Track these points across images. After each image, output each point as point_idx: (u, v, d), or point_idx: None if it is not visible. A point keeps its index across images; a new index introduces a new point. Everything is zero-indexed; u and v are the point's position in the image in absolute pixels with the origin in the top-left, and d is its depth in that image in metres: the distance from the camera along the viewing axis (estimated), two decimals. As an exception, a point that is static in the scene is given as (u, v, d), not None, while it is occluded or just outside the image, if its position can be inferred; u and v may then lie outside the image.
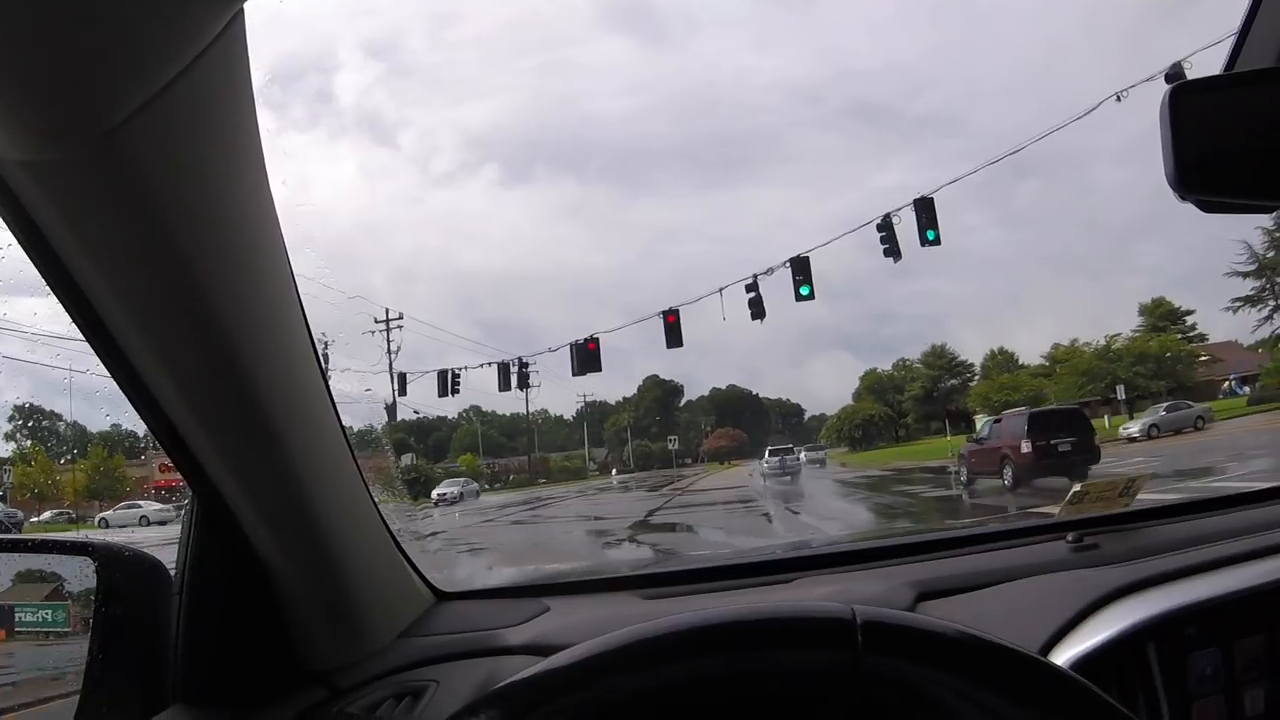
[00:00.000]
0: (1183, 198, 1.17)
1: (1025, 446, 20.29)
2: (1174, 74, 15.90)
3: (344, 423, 1.58)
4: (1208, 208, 1.24)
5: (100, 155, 0.90)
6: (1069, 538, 2.07)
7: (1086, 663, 1.57)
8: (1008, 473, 20.40)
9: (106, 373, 1.21)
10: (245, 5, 0.92)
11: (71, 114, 0.86)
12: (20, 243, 1.04)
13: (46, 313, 1.26)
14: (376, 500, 1.73)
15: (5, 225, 1.02)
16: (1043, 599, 1.77)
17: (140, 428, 1.30)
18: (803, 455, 41.89)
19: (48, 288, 1.09)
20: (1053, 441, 20.23)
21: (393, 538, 1.82)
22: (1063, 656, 1.59)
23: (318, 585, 1.56)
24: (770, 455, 38.83)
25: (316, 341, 1.44)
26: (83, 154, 0.90)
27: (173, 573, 1.52)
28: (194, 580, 1.50)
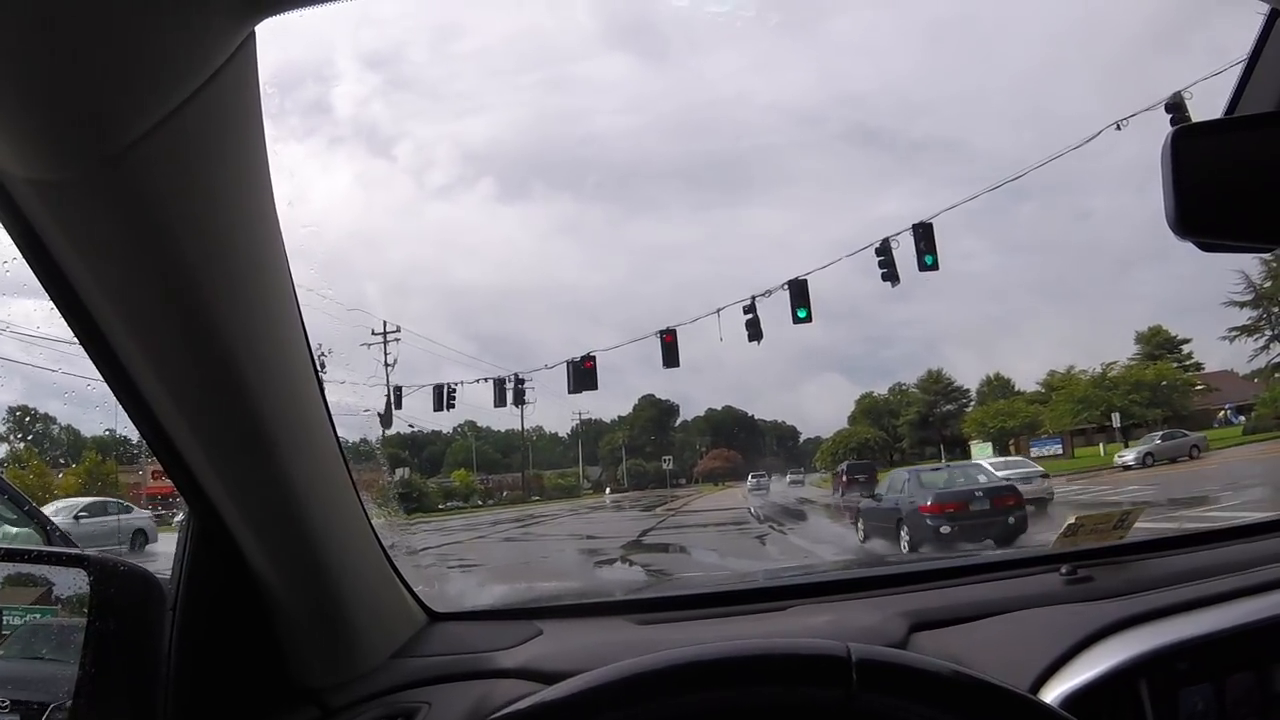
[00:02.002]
0: (1182, 237, 1.18)
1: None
2: (1174, 104, 16.02)
3: (340, 437, 1.58)
4: (1207, 248, 1.25)
5: (108, 175, 0.91)
6: (1063, 570, 2.07)
7: (1079, 698, 1.57)
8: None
9: (102, 379, 1.21)
10: (257, 28, 0.93)
11: (81, 135, 0.87)
12: (24, 255, 1.05)
13: (41, 314, 1.26)
14: (371, 517, 1.73)
15: (10, 237, 1.03)
16: (1036, 632, 1.77)
17: (134, 434, 1.30)
18: (789, 477, 49.69)
19: (44, 292, 1.10)
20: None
21: (386, 556, 1.82)
22: (1055, 691, 1.59)
23: (311, 603, 1.56)
24: (752, 478, 47.26)
25: (315, 355, 1.45)
26: (91, 174, 0.90)
27: (166, 587, 1.51)
28: (188, 595, 1.49)
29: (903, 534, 16.61)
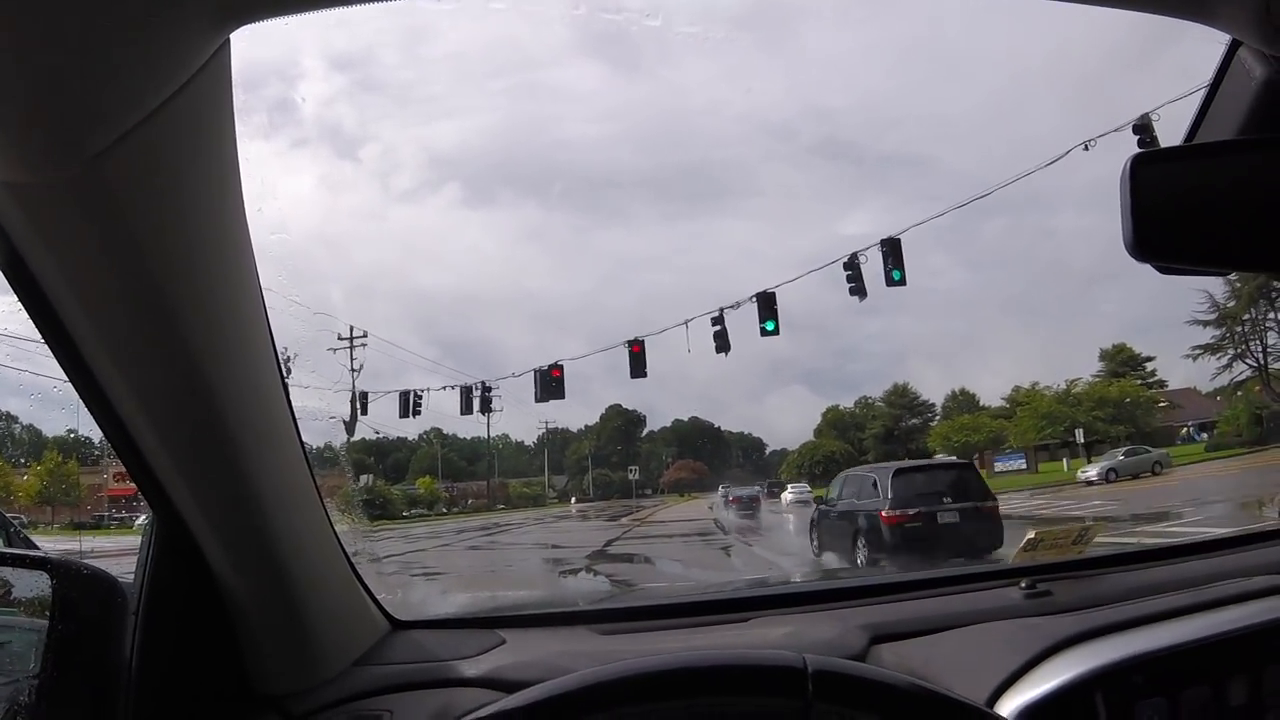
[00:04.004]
0: (1140, 260, 1.21)
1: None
2: (1141, 125, 16.20)
3: (305, 442, 1.58)
4: (1165, 270, 1.28)
5: (82, 179, 0.91)
6: (1022, 584, 2.10)
7: (1035, 711, 1.59)
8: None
9: (66, 379, 1.21)
10: (232, 35, 0.93)
11: (56, 138, 0.87)
12: None
13: (4, 311, 1.25)
14: (335, 523, 1.73)
15: None
16: (994, 645, 1.79)
17: (97, 434, 1.30)
18: (789, 492, 41.73)
19: (8, 289, 1.10)
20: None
21: (350, 563, 1.82)
22: (1012, 704, 1.61)
23: (274, 610, 1.56)
24: (722, 489, 41.53)
25: (281, 359, 1.45)
26: (65, 177, 0.91)
27: (129, 591, 1.51)
28: (150, 600, 1.49)
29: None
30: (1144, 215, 1.18)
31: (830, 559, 15.64)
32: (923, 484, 14.63)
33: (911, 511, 13.71)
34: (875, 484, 14.81)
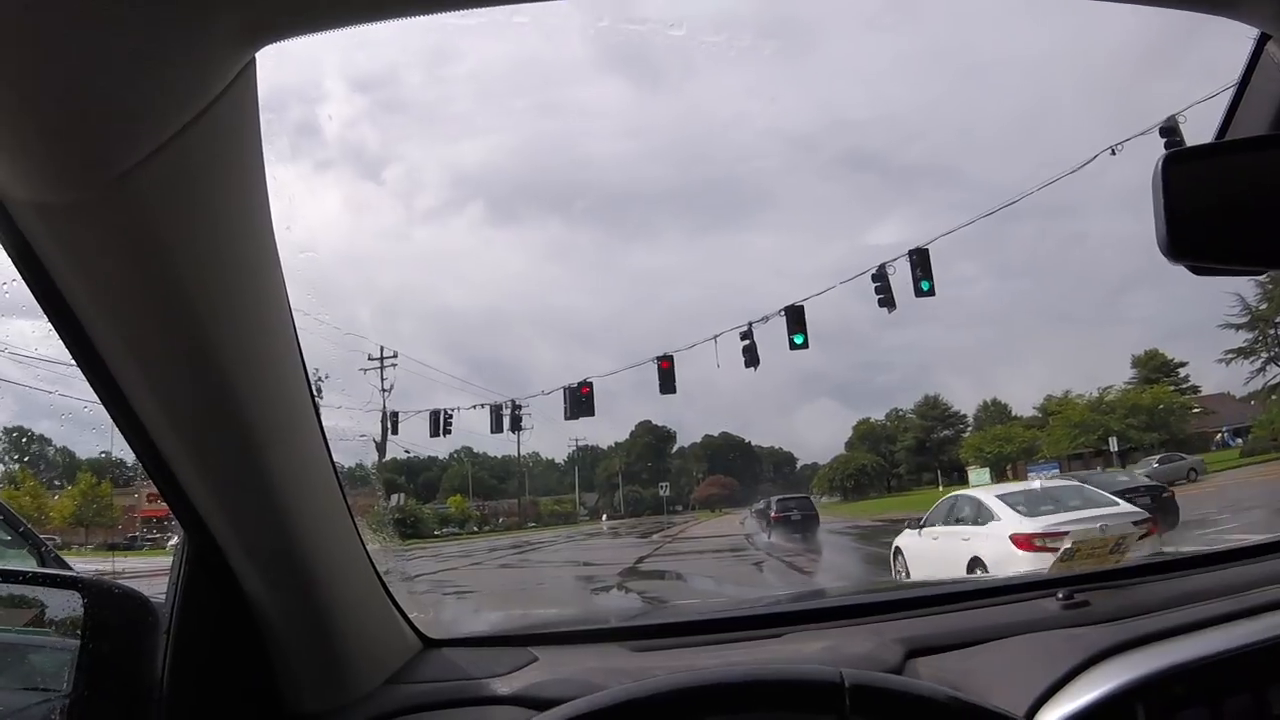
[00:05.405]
0: (1174, 261, 1.19)
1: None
2: (1168, 127, 16.08)
3: (336, 462, 1.58)
4: (1199, 271, 1.26)
5: (110, 198, 0.91)
6: (1059, 595, 2.06)
7: None
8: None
9: (98, 401, 1.22)
10: (257, 54, 0.94)
11: (83, 158, 0.87)
12: (23, 276, 1.05)
13: (38, 335, 1.26)
14: (366, 542, 1.72)
15: (9, 260, 1.03)
16: (1032, 658, 1.77)
17: (129, 456, 1.30)
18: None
19: (42, 312, 1.10)
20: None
21: (381, 582, 1.81)
22: (1051, 716, 1.59)
23: (306, 628, 1.55)
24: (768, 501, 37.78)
25: (311, 379, 1.45)
26: (92, 196, 0.91)
27: (161, 610, 1.51)
28: (182, 619, 1.49)
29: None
30: (1177, 215, 1.16)
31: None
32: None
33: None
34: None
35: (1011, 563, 10.22)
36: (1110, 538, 2.44)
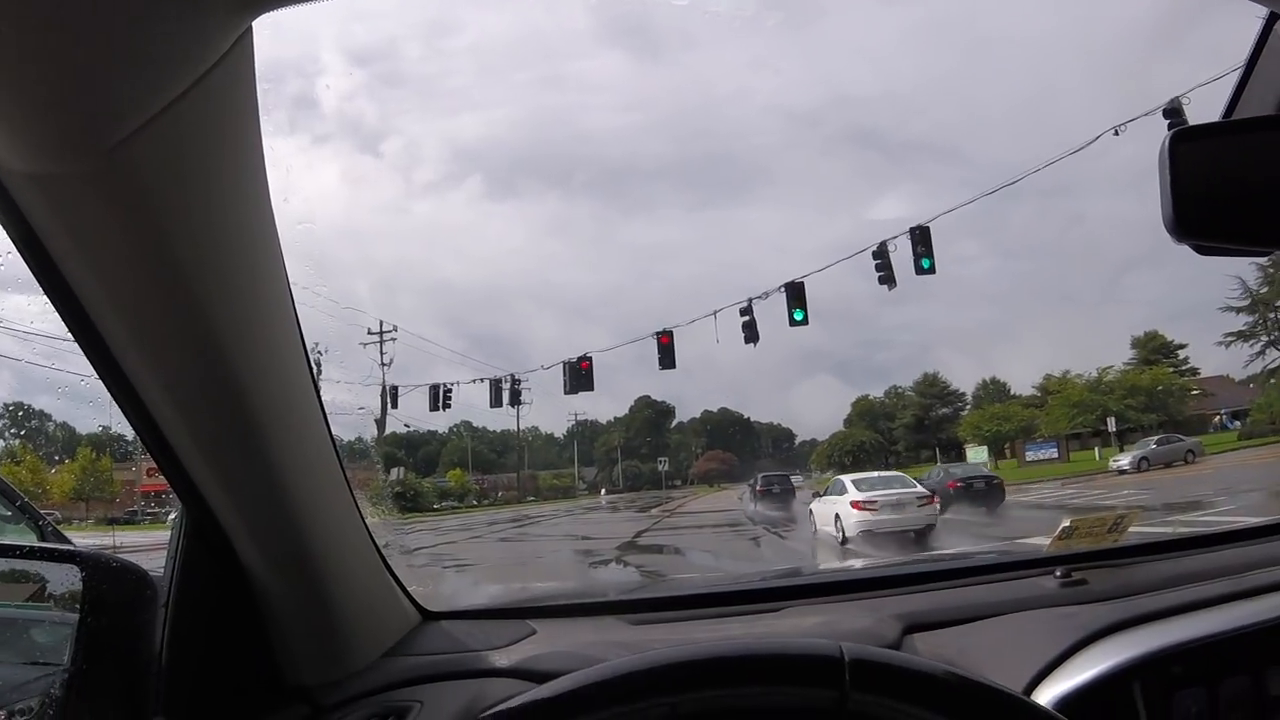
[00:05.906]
0: (1179, 240, 1.18)
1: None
2: (1172, 109, 16.00)
3: (335, 436, 1.57)
4: (1204, 250, 1.25)
5: (106, 169, 0.91)
6: (1057, 572, 2.07)
7: (1072, 700, 1.57)
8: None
9: (96, 375, 1.21)
10: (254, 22, 0.93)
11: (78, 128, 0.86)
12: (19, 250, 1.04)
13: (35, 309, 1.25)
14: (365, 516, 1.72)
15: (5, 232, 1.03)
16: (1030, 635, 1.77)
17: (128, 431, 1.30)
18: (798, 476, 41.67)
19: (39, 287, 1.09)
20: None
21: (380, 555, 1.81)
22: (1049, 693, 1.59)
23: (304, 601, 1.56)
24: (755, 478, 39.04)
25: (310, 354, 1.44)
26: (88, 167, 0.90)
27: (159, 583, 1.51)
28: (181, 592, 1.49)
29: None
30: (1183, 194, 1.16)
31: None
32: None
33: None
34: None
35: (852, 515, 18.24)
36: (1109, 517, 2.44)
